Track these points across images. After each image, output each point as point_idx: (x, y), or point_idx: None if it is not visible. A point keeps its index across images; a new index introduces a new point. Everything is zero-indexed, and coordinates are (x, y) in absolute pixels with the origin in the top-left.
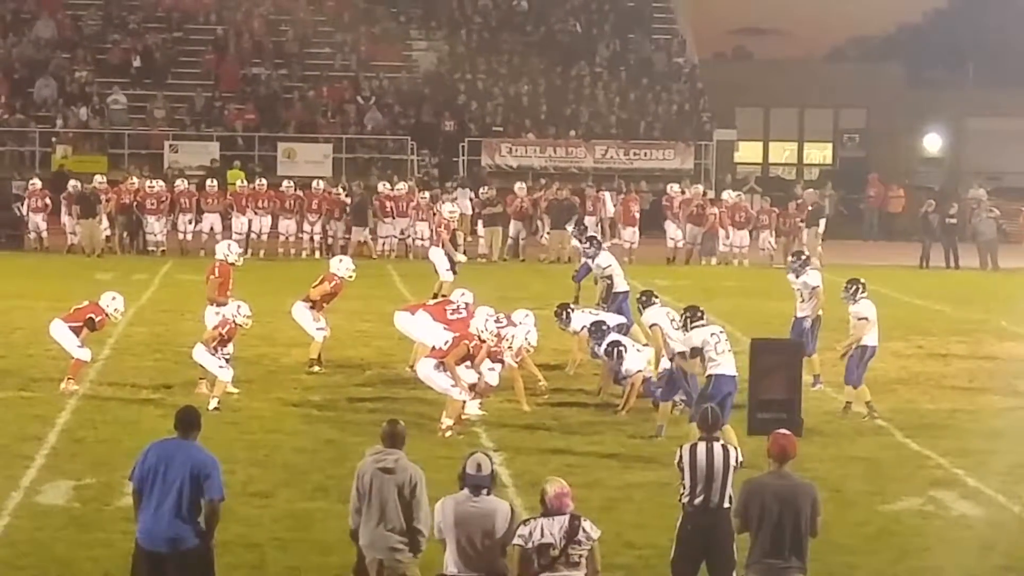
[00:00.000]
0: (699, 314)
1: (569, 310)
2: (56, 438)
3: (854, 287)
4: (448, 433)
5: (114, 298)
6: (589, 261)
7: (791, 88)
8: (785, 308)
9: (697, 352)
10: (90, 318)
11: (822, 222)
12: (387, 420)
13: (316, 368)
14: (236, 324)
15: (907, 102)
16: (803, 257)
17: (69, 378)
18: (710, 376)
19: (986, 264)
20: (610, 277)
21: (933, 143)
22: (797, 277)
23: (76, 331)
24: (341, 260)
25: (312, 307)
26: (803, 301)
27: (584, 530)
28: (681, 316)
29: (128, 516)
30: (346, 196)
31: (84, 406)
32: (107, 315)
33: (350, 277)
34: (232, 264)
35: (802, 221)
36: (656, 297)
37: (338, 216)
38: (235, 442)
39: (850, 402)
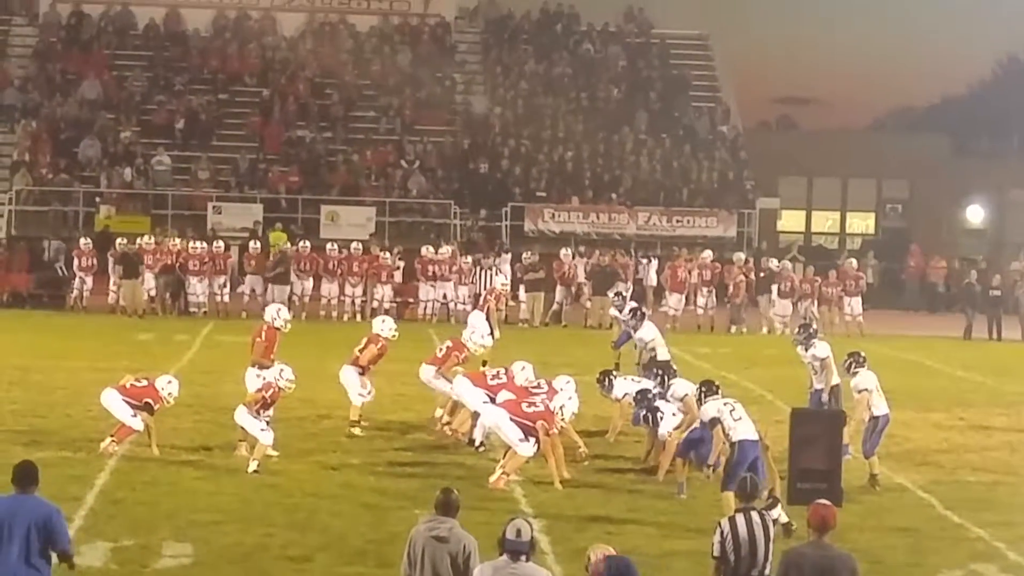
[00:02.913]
0: (714, 388)
1: (611, 377)
2: (94, 499)
3: (850, 360)
4: (502, 483)
5: (170, 382)
6: (631, 332)
7: (835, 158)
8: None
9: (716, 423)
10: (148, 403)
11: (774, 288)
12: (441, 488)
13: (356, 431)
14: (279, 388)
15: (950, 173)
16: (809, 330)
17: (112, 439)
18: (733, 444)
19: None
20: (654, 349)
21: (976, 214)
22: (806, 350)
23: (132, 407)
24: (384, 320)
25: (362, 372)
26: (816, 373)
27: None
28: (696, 391)
29: None
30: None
31: (123, 467)
32: (162, 399)
33: (394, 336)
34: (279, 329)
35: (842, 290)
36: (717, 388)
37: (384, 280)
38: (274, 505)
39: (875, 474)
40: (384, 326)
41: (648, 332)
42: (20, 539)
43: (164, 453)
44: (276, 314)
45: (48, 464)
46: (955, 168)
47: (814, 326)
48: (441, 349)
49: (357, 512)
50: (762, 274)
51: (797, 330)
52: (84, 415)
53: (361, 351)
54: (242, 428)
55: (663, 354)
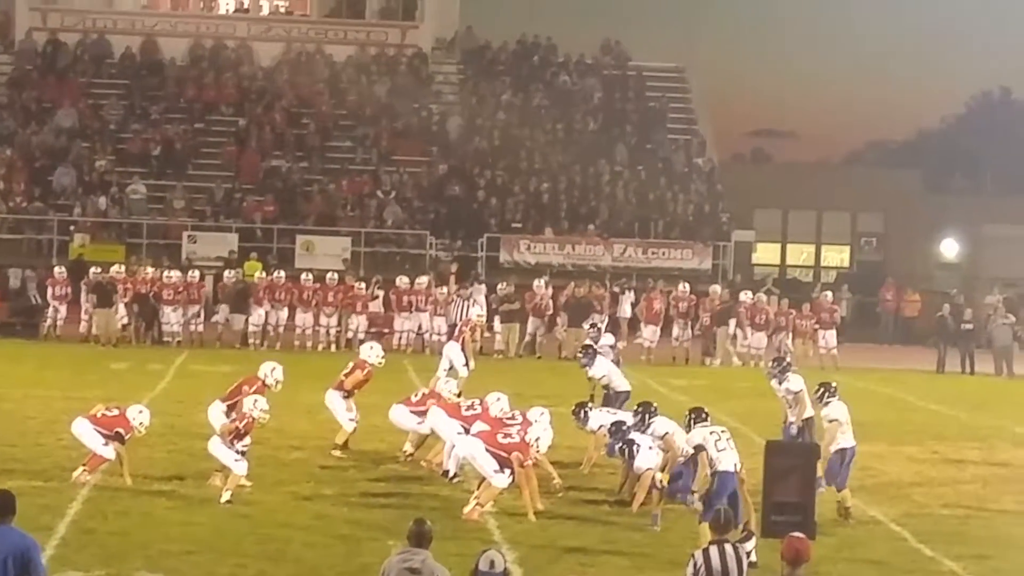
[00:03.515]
0: (703, 415)
1: (587, 409)
2: (66, 529)
3: (822, 390)
4: (476, 514)
5: (141, 411)
6: (586, 370)
7: (810, 191)
8: None
9: (701, 448)
10: (119, 432)
11: (732, 322)
12: (414, 520)
13: (337, 452)
14: (253, 418)
15: (925, 207)
16: (783, 363)
17: (84, 468)
18: (714, 474)
19: (1001, 370)
20: (607, 386)
21: (950, 249)
22: (780, 384)
23: (103, 436)
24: (372, 347)
25: (346, 396)
26: (789, 407)
27: None
28: (686, 416)
29: None
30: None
31: (95, 497)
32: (133, 429)
33: (380, 363)
34: (266, 385)
35: (817, 323)
36: (706, 416)
37: (359, 310)
38: (247, 536)
39: (848, 507)
40: (372, 352)
41: (599, 369)
42: None
43: (136, 483)
44: (269, 371)
45: (19, 493)
46: (930, 202)
47: (788, 359)
48: (417, 395)
49: (330, 543)
50: (719, 305)
51: (771, 363)
52: (56, 444)
53: (347, 375)
54: (216, 458)
55: (621, 385)
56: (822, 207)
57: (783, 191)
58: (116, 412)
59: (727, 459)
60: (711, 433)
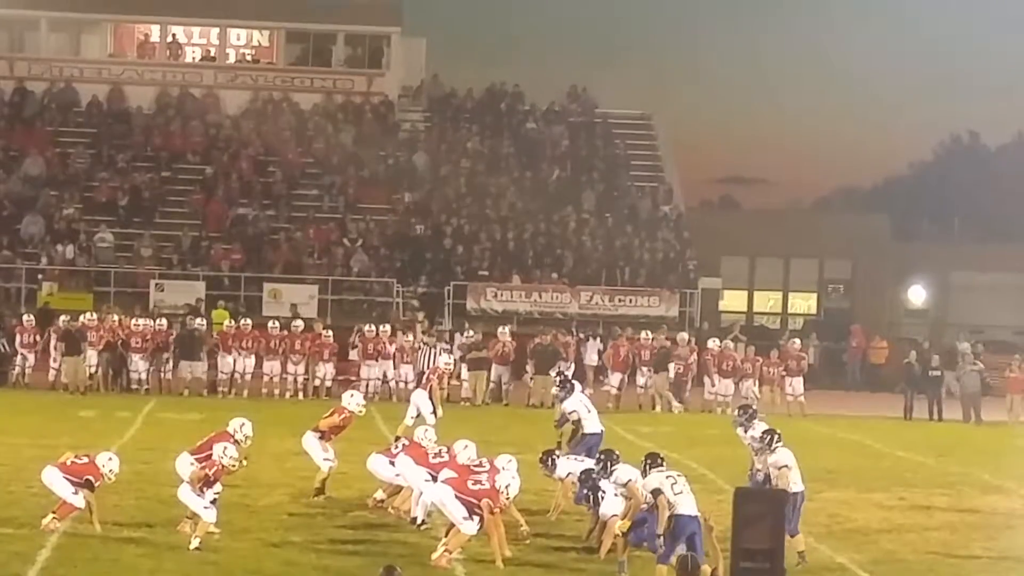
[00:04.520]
0: (659, 460)
1: (554, 457)
2: None
3: (769, 436)
4: (444, 561)
5: (110, 459)
6: (559, 404)
7: (777, 238)
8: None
9: (659, 492)
10: (88, 480)
11: (671, 367)
12: (384, 566)
13: (320, 498)
14: (223, 466)
15: (892, 254)
16: (750, 411)
17: (54, 515)
18: (670, 517)
19: (969, 417)
20: (577, 421)
21: (918, 295)
22: (746, 432)
23: (72, 484)
24: (352, 395)
25: (321, 437)
26: (756, 454)
27: None
28: (643, 462)
29: None
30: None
31: (65, 543)
32: (103, 476)
33: (360, 412)
34: (236, 441)
35: (784, 370)
36: (662, 461)
37: (326, 358)
38: None
39: (802, 551)
40: (351, 400)
41: (571, 403)
42: None
43: (106, 530)
44: (238, 428)
45: None
46: (897, 249)
47: (754, 407)
48: (396, 446)
49: None
50: (655, 350)
51: (737, 411)
52: (25, 491)
53: (325, 419)
54: (186, 505)
55: (591, 427)
56: (789, 254)
57: (750, 238)
58: (85, 460)
59: (684, 503)
60: (667, 477)
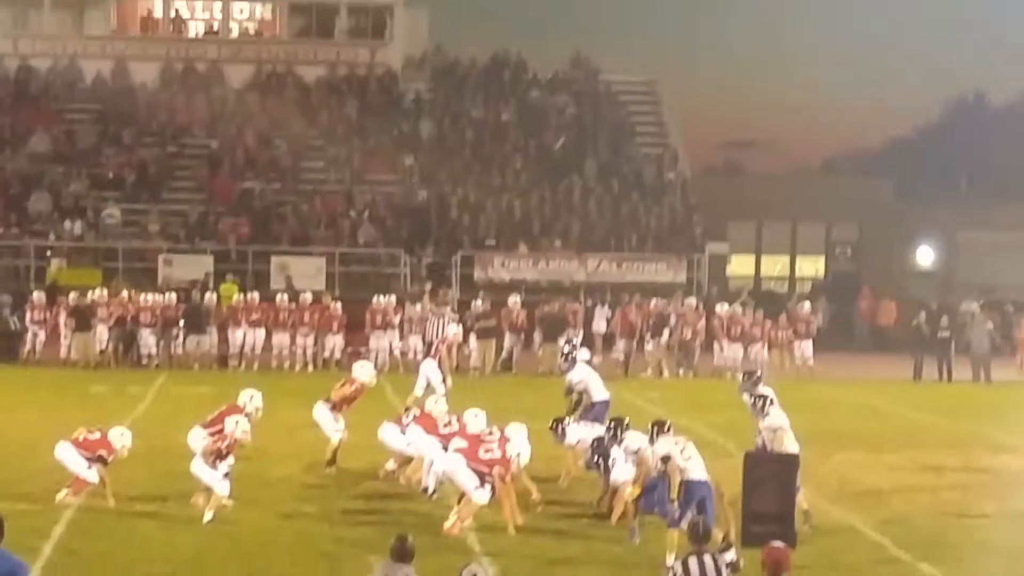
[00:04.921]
0: (665, 427)
1: (564, 424)
2: (51, 551)
3: (762, 401)
4: (456, 530)
5: (123, 434)
6: (565, 376)
7: (783, 201)
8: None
9: (668, 459)
10: (101, 455)
11: (665, 332)
12: (396, 536)
13: (331, 469)
14: (236, 439)
15: (899, 216)
16: (755, 376)
17: (69, 490)
18: (681, 483)
19: (979, 377)
20: (584, 390)
21: (926, 256)
22: (750, 397)
23: (86, 459)
24: (363, 365)
25: (333, 408)
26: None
27: None
28: (650, 429)
29: None
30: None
31: (79, 518)
32: (115, 451)
33: (372, 382)
34: (247, 413)
35: (793, 334)
36: (669, 427)
37: (335, 330)
38: (230, 555)
39: (806, 510)
40: (362, 370)
41: (577, 374)
42: None
43: (120, 504)
44: (249, 399)
45: (4, 516)
46: (904, 210)
47: (759, 372)
48: (408, 416)
49: (313, 561)
50: (654, 315)
51: (743, 377)
52: (39, 467)
53: (337, 390)
54: (199, 478)
55: (598, 395)
56: (796, 217)
57: (757, 202)
58: (98, 435)
59: (694, 468)
60: (675, 443)
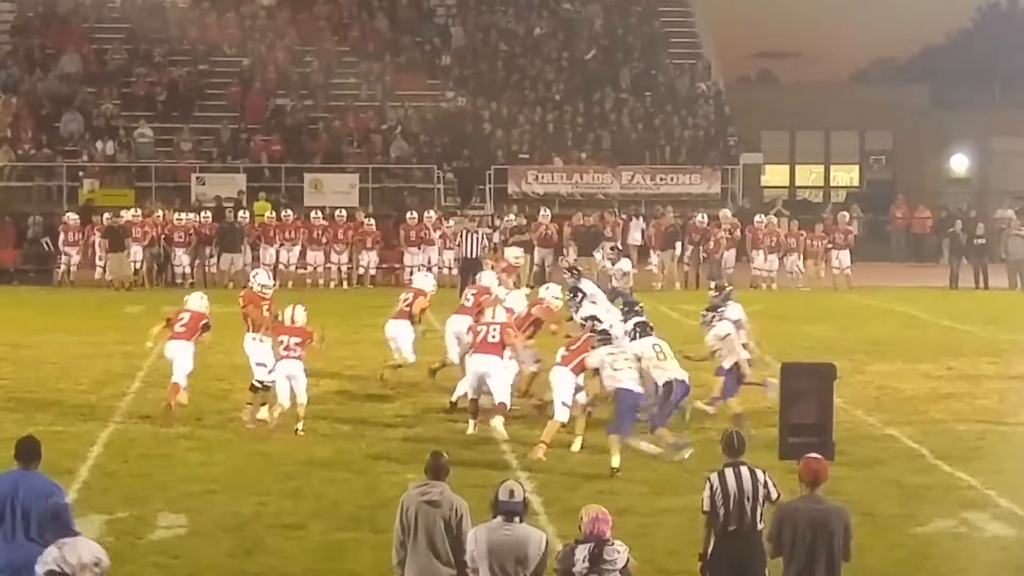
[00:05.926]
0: (648, 328)
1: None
2: (88, 472)
3: (710, 315)
4: (540, 453)
5: (201, 298)
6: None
7: (817, 111)
8: (815, 331)
9: (638, 359)
10: (205, 324)
11: (678, 245)
12: (431, 452)
13: (389, 378)
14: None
15: (933, 123)
16: (724, 291)
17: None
18: (665, 383)
19: (1015, 284)
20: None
21: (960, 164)
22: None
23: (194, 342)
24: (426, 276)
25: (412, 321)
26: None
27: (605, 557)
28: (631, 330)
29: (162, 549)
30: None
31: (114, 440)
32: (207, 314)
33: (434, 291)
34: (262, 297)
35: (830, 243)
36: (651, 329)
37: (369, 246)
38: (266, 474)
39: (739, 413)
40: (427, 281)
41: (585, 311)
42: (23, 515)
43: (155, 425)
44: (254, 280)
45: (40, 438)
46: (938, 118)
47: (728, 287)
48: (468, 298)
49: (349, 478)
50: (667, 227)
51: (711, 292)
52: (74, 389)
53: (409, 304)
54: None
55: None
56: (830, 127)
57: (790, 112)
58: (185, 316)
59: (672, 367)
60: (653, 346)
